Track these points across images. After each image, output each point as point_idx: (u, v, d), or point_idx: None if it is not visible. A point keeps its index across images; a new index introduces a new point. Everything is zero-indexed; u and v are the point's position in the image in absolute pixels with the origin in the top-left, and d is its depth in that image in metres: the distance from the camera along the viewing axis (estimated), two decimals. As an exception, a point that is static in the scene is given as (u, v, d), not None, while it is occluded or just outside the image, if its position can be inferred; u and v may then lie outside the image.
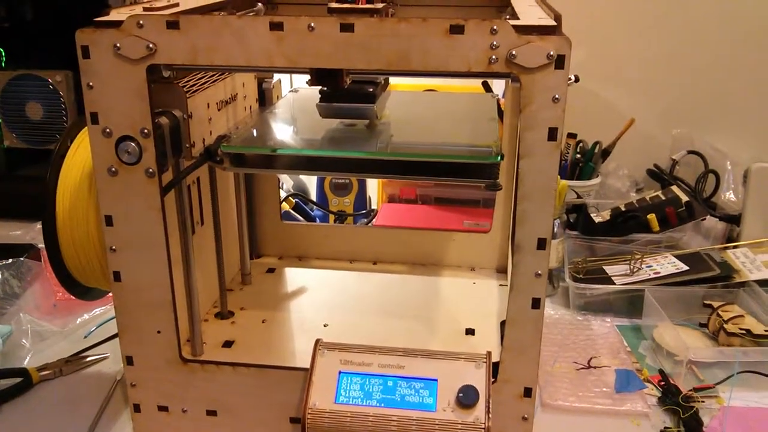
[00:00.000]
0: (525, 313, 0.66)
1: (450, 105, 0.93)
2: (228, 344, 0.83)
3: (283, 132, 0.82)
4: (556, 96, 0.59)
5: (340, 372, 0.67)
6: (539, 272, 0.64)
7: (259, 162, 0.72)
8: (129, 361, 0.74)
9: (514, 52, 0.58)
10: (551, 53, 0.58)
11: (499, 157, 0.66)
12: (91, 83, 0.65)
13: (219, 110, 0.80)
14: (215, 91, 0.79)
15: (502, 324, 0.87)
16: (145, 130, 0.65)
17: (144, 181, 0.67)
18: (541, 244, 0.63)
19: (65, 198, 0.76)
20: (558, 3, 0.69)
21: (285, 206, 1.23)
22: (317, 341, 0.70)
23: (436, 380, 0.66)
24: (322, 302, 0.95)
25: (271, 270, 1.05)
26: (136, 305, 0.72)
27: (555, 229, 1.08)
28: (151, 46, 0.63)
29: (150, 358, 0.74)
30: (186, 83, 0.73)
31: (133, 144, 0.66)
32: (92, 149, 0.67)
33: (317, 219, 1.30)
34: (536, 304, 0.66)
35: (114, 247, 0.70)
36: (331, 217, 1.31)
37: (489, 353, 0.68)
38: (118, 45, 0.63)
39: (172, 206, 0.74)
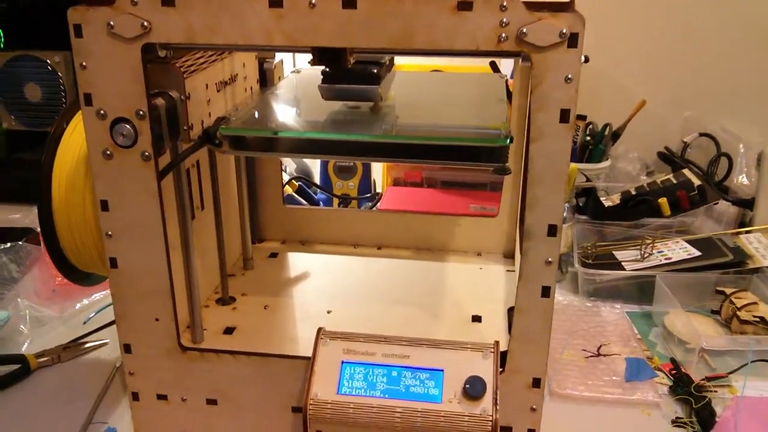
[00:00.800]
0: (534, 301, 0.64)
1: (457, 86, 0.90)
2: (229, 331, 0.82)
3: (284, 114, 0.79)
4: (569, 76, 0.57)
5: (342, 362, 0.65)
6: (549, 260, 0.62)
7: (260, 145, 0.70)
8: (127, 349, 0.73)
9: (524, 30, 0.55)
10: (564, 31, 0.55)
11: (508, 140, 0.63)
12: (84, 63, 0.62)
13: (218, 91, 0.77)
14: (214, 72, 0.76)
15: (510, 311, 0.85)
16: (141, 112, 0.63)
17: (140, 164, 0.65)
18: (552, 230, 0.61)
19: (61, 182, 0.74)
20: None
21: (288, 190, 1.21)
22: (319, 330, 0.68)
23: (442, 370, 0.64)
24: (326, 288, 0.93)
25: (273, 255, 1.03)
26: (133, 292, 0.70)
27: (564, 213, 1.06)
28: (145, 24, 0.60)
29: (148, 346, 0.72)
30: (183, 63, 0.71)
31: (129, 126, 0.63)
32: (86, 132, 0.65)
33: (321, 203, 1.28)
34: (546, 292, 0.63)
35: (110, 233, 0.68)
36: (335, 201, 1.28)
37: (497, 343, 0.66)
38: (111, 23, 0.60)
39: (170, 190, 0.72)
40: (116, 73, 0.62)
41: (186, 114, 0.70)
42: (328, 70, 0.72)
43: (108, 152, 0.65)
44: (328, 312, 0.86)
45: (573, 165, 1.05)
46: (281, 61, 0.95)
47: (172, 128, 0.68)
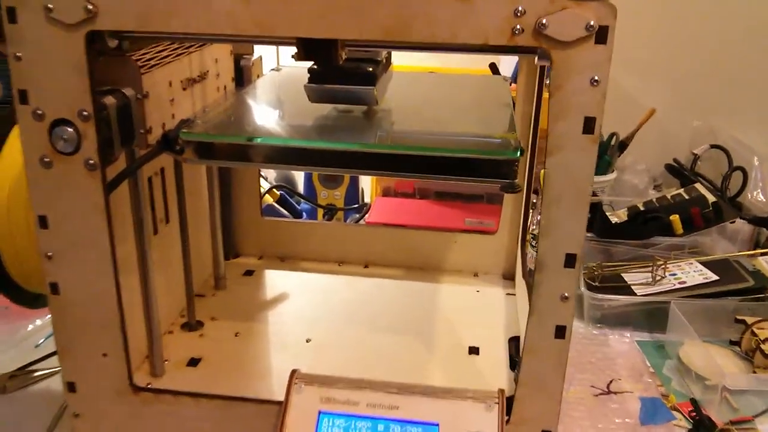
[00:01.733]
0: (547, 342, 0.55)
1: (457, 88, 0.80)
2: (194, 362, 0.72)
3: (262, 117, 0.69)
4: (596, 78, 0.47)
5: (320, 412, 0.55)
6: (566, 295, 0.53)
7: (230, 153, 0.60)
8: (71, 387, 0.62)
9: (544, 21, 0.46)
10: (591, 23, 0.46)
11: (518, 152, 0.54)
12: (18, 54, 0.52)
13: (184, 90, 0.68)
14: (179, 68, 0.66)
15: (511, 342, 0.76)
16: (85, 113, 0.53)
17: (84, 174, 0.55)
18: (570, 260, 0.52)
19: (3, 193, 0.64)
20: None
21: (268, 199, 1.11)
22: (293, 373, 0.58)
23: (438, 425, 0.54)
24: (306, 311, 0.83)
25: (248, 272, 0.93)
26: (77, 323, 0.60)
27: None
28: (90, 7, 0.50)
29: (95, 385, 0.62)
30: (142, 57, 0.61)
31: (70, 129, 0.53)
32: (21, 135, 0.55)
33: (304, 214, 1.18)
34: (561, 332, 0.54)
35: (50, 254, 0.58)
36: (320, 212, 1.19)
37: (501, 392, 0.56)
38: (49, 6, 0.51)
39: (128, 203, 0.62)
40: (56, 65, 0.52)
41: (143, 115, 0.60)
42: (315, 67, 0.63)
43: (46, 159, 0.55)
44: (308, 341, 0.76)
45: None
46: (260, 58, 0.85)
47: (126, 132, 0.58)
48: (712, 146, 1.28)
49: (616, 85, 1.33)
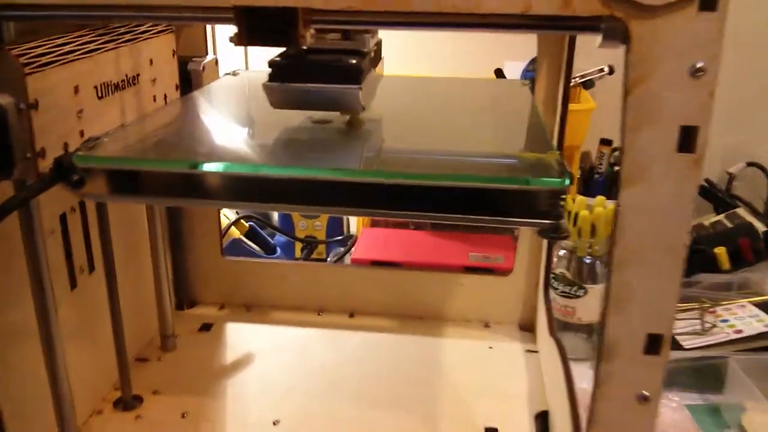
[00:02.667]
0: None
1: (466, 95, 0.63)
2: (123, 459, 0.54)
3: (206, 136, 0.51)
4: (700, 65, 0.30)
5: None
6: (646, 394, 0.35)
7: (153, 186, 0.42)
8: None
9: (621, -25, 0.29)
10: (695, -23, 0.29)
11: (566, 179, 0.36)
12: None
13: (101, 98, 0.50)
14: (93, 68, 0.49)
15: (538, 419, 0.59)
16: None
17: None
18: (654, 344, 0.34)
19: None
20: None
21: (234, 233, 0.94)
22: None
23: None
24: (276, 380, 0.66)
25: (206, 327, 0.75)
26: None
27: (597, 268, 0.80)
28: None
29: None
30: (30, 51, 0.44)
31: None
32: None
33: (278, 249, 1.00)
34: (637, 448, 0.37)
35: None
36: (298, 246, 1.01)
37: None
38: None
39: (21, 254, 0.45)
40: None
41: (31, 132, 0.42)
42: (278, 61, 0.46)
43: None
44: (275, 423, 0.59)
45: (612, 204, 0.78)
46: (214, 61, 0.68)
47: (1, 155, 0.41)
48: (749, 164, 1.12)
49: None
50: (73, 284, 0.57)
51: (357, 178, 0.39)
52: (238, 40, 0.35)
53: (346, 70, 0.44)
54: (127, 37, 0.54)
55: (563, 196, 0.36)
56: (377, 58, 0.51)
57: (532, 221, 0.37)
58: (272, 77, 0.45)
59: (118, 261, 0.57)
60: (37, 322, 0.48)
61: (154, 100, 0.59)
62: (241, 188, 0.42)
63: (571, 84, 0.70)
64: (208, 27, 0.73)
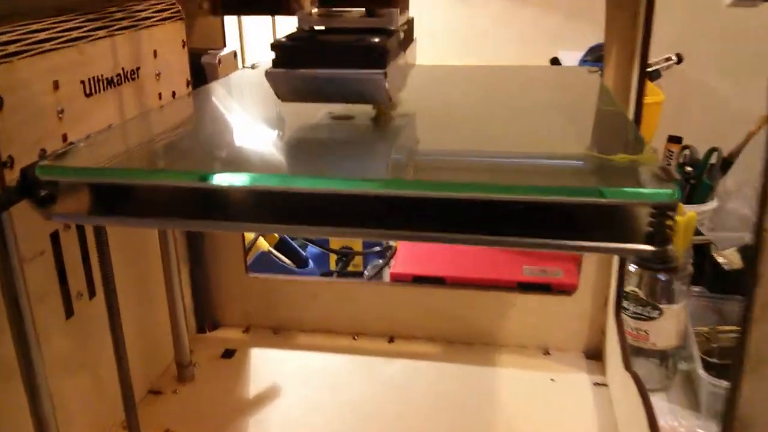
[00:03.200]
0: None
1: (522, 84, 0.54)
2: None
3: (206, 140, 0.43)
4: None
5: None
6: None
7: (143, 204, 0.34)
8: None
9: None
10: None
11: (676, 191, 0.27)
12: None
13: (89, 96, 0.42)
14: (78, 60, 0.41)
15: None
16: None
17: None
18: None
19: None
20: None
21: (262, 244, 0.85)
22: None
23: None
24: (306, 414, 0.57)
25: (228, 353, 0.67)
26: None
27: (674, 286, 0.69)
28: None
29: None
30: (-4, 37, 0.36)
31: None
32: None
33: (310, 261, 0.92)
34: None
35: None
36: (332, 258, 0.92)
37: None
38: None
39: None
40: None
41: (-6, 136, 0.35)
42: (284, 42, 0.37)
43: None
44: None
45: (691, 212, 0.68)
46: (233, 54, 0.60)
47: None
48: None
49: (711, 88, 1.06)
50: (69, 312, 0.49)
51: (383, 191, 0.30)
52: (212, 8, 0.27)
53: (366, 50, 0.35)
54: (125, 23, 0.46)
55: (672, 213, 0.27)
56: (408, 39, 0.42)
57: (629, 248, 0.28)
58: (276, 62, 0.37)
59: (126, 282, 0.49)
60: (18, 355, 0.40)
61: (160, 98, 0.51)
62: (239, 207, 0.34)
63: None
64: (228, 18, 0.65)
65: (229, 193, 0.33)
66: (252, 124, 0.45)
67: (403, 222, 0.30)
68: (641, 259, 0.29)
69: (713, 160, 0.93)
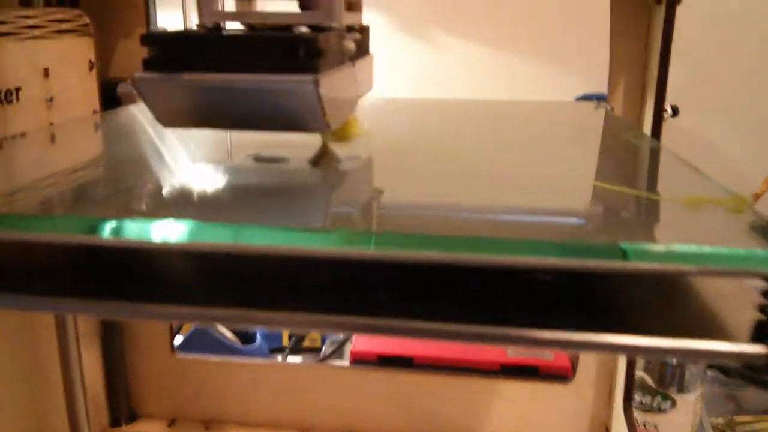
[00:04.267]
0: None
1: (521, 120, 0.44)
2: None
3: (101, 177, 0.31)
4: None
5: None
6: None
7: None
8: None
9: None
10: None
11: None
12: None
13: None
14: None
15: None
16: None
17: None
18: None
19: None
20: None
21: (201, 317, 0.73)
22: None
23: None
24: None
25: (144, 456, 0.54)
26: None
27: (687, 370, 0.59)
28: None
29: None
30: None
31: None
32: None
33: (257, 336, 0.79)
34: None
35: None
36: (285, 334, 0.80)
37: None
38: None
39: None
40: None
41: None
42: (160, 34, 0.26)
43: None
44: None
45: None
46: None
47: None
48: None
49: (710, 142, 0.99)
50: None
51: (319, 251, 0.19)
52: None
53: (290, 45, 0.24)
54: (2, 29, 0.35)
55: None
56: (361, 50, 0.31)
57: (722, 349, 0.16)
58: (150, 64, 0.26)
59: (8, 370, 0.36)
60: None
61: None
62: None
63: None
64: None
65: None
66: (169, 160, 0.33)
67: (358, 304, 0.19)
68: (742, 368, 0.18)
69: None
